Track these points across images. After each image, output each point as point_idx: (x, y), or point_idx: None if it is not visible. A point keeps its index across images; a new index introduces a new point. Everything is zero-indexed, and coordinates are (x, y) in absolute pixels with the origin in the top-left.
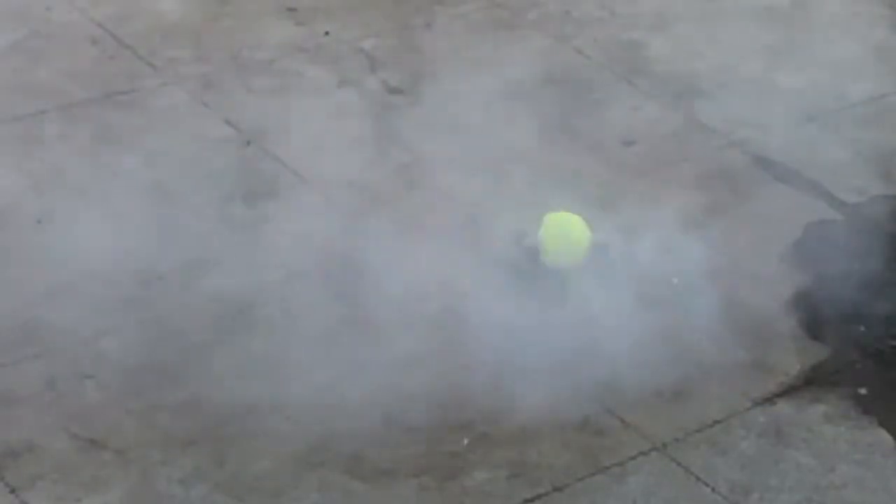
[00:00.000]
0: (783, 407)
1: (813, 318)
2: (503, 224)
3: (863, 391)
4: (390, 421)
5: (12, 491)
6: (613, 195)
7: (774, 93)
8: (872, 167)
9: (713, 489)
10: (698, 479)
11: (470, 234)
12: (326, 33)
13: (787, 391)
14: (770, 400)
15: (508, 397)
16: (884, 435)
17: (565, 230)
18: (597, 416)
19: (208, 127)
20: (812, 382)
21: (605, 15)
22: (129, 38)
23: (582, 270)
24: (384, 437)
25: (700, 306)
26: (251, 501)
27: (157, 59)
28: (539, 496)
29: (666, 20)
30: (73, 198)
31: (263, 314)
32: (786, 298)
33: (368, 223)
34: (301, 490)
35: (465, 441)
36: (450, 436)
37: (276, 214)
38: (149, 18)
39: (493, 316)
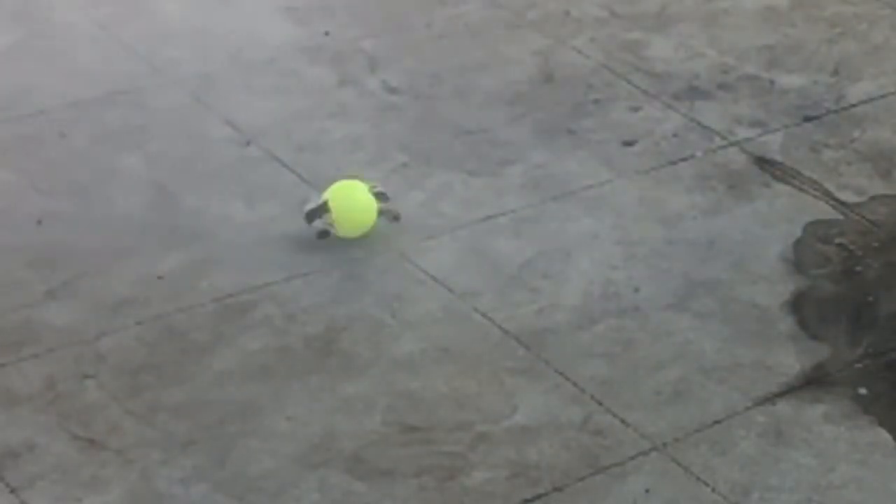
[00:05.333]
0: (783, 407)
1: (813, 318)
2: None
3: (863, 391)
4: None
5: (12, 491)
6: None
7: (774, 93)
8: (872, 167)
9: (713, 489)
10: (698, 479)
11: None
12: (326, 33)
13: (787, 391)
14: (770, 400)
15: None
16: (884, 435)
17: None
18: (597, 416)
19: (208, 127)
20: (812, 382)
21: (605, 15)
22: (129, 38)
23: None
24: (384, 437)
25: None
26: (251, 501)
27: (157, 59)
28: (539, 496)
29: (666, 20)
30: (73, 198)
31: (263, 314)
32: (786, 298)
33: None
34: (301, 490)
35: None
36: (450, 435)
37: (277, 214)
38: (149, 18)
39: None
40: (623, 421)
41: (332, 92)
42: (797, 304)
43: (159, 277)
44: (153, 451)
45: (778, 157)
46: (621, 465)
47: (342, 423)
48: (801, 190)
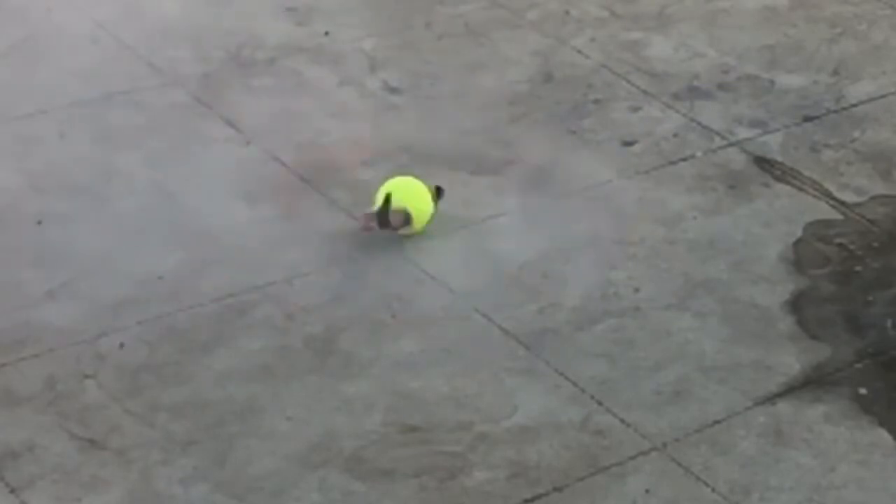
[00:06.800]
0: (783, 407)
1: (813, 318)
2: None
3: (863, 391)
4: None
5: (12, 491)
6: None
7: (774, 93)
8: (872, 167)
9: (713, 489)
10: (698, 479)
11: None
12: (326, 33)
13: (787, 391)
14: (770, 400)
15: None
16: (884, 435)
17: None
18: (597, 416)
19: (208, 127)
20: (812, 382)
21: (605, 15)
22: (129, 38)
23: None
24: (384, 437)
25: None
26: (251, 501)
27: (157, 59)
28: (539, 496)
29: (666, 20)
30: (73, 198)
31: (263, 314)
32: (786, 298)
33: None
34: (301, 490)
35: None
36: (450, 435)
37: (277, 214)
38: (149, 18)
39: None
40: (623, 421)
41: (332, 92)
42: (797, 304)
43: (159, 277)
44: (153, 451)
45: (778, 157)
46: (621, 465)
47: (342, 423)
48: (801, 190)
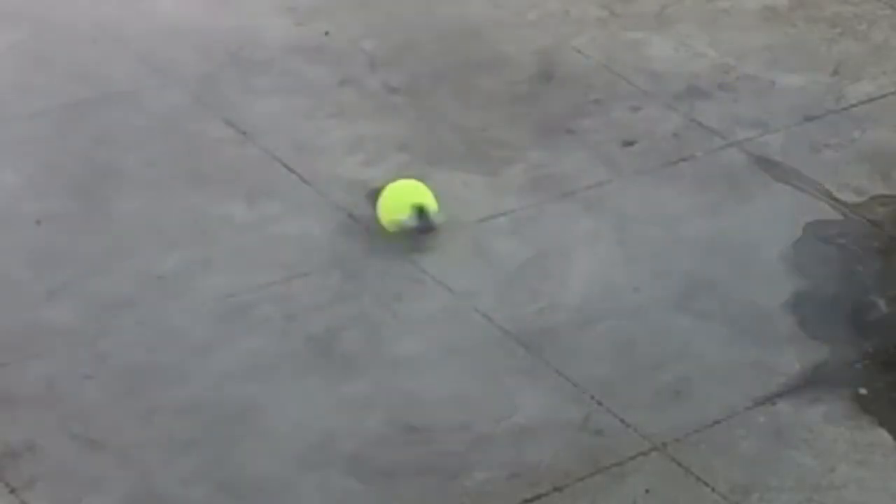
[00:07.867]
0: (783, 407)
1: (813, 318)
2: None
3: (863, 391)
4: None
5: (12, 491)
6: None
7: (774, 93)
8: (872, 167)
9: (713, 489)
10: (698, 479)
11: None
12: (326, 33)
13: (787, 391)
14: (770, 400)
15: None
16: (884, 435)
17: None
18: (597, 416)
19: (208, 127)
20: (812, 382)
21: (605, 15)
22: (129, 38)
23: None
24: (384, 437)
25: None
26: (251, 501)
27: (157, 59)
28: (539, 496)
29: (666, 20)
30: (73, 198)
31: (263, 314)
32: (786, 298)
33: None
34: (301, 490)
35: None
36: (450, 436)
37: (277, 214)
38: (149, 18)
39: None
40: (623, 421)
41: (332, 92)
42: (797, 304)
43: (159, 277)
44: (153, 451)
45: (778, 157)
46: (621, 465)
47: (342, 423)
48: (801, 190)
